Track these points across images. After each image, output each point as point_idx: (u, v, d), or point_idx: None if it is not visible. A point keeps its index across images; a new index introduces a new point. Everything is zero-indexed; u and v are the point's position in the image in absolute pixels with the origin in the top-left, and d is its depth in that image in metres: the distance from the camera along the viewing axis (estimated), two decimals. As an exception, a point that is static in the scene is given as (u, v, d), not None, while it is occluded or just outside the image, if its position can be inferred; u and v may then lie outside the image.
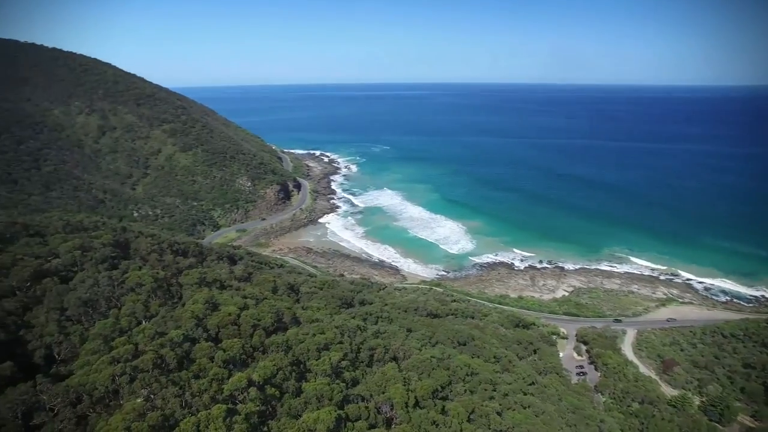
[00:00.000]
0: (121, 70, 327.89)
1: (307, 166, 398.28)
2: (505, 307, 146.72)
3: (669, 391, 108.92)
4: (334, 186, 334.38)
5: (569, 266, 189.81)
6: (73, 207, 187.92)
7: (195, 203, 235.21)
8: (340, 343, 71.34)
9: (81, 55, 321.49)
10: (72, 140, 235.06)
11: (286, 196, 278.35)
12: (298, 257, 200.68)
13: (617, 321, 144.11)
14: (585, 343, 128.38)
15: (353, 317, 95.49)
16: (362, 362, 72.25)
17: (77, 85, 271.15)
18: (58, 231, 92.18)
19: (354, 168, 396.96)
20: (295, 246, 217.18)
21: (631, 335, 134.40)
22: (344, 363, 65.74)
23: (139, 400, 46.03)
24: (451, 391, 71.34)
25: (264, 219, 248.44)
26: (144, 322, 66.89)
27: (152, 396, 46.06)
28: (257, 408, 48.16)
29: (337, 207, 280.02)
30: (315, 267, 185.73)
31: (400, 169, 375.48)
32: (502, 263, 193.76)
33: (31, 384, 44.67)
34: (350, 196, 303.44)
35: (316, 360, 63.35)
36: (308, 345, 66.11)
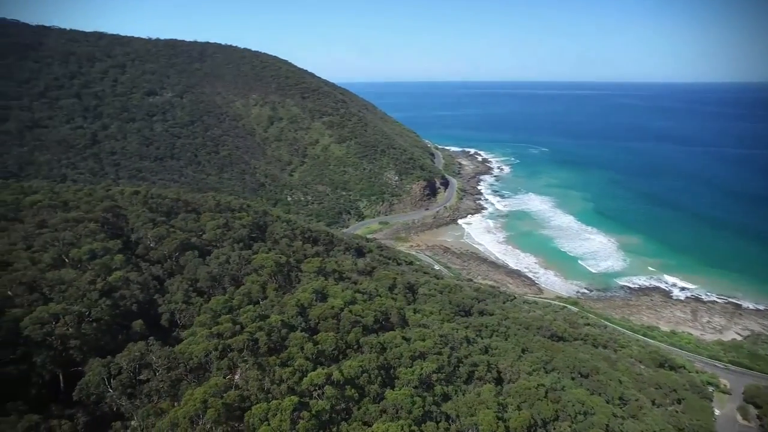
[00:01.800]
0: (294, 66, 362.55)
1: (459, 164, 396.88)
2: (650, 340, 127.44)
3: None
4: (482, 186, 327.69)
5: (748, 304, 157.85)
6: (239, 188, 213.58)
7: (343, 193, 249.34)
8: (438, 354, 68.32)
9: (264, 53, 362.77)
10: (246, 129, 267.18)
11: (431, 192, 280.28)
12: (434, 255, 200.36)
13: None
14: (756, 405, 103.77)
15: (466, 327, 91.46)
16: (459, 378, 68.45)
17: (256, 80, 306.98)
18: (210, 210, 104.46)
19: (507, 169, 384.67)
20: (433, 244, 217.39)
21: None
22: (437, 376, 62.69)
23: (236, 376, 49.58)
24: (554, 429, 63.86)
25: (428, 209, 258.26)
26: (261, 302, 72.32)
27: (240, 375, 48.95)
28: (330, 406, 48.20)
29: (483, 208, 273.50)
30: (448, 268, 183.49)
31: (555, 173, 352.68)
32: (656, 289, 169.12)
33: (145, 344, 50.75)
34: (497, 198, 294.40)
35: (408, 368, 61.60)
36: (403, 350, 64.65)
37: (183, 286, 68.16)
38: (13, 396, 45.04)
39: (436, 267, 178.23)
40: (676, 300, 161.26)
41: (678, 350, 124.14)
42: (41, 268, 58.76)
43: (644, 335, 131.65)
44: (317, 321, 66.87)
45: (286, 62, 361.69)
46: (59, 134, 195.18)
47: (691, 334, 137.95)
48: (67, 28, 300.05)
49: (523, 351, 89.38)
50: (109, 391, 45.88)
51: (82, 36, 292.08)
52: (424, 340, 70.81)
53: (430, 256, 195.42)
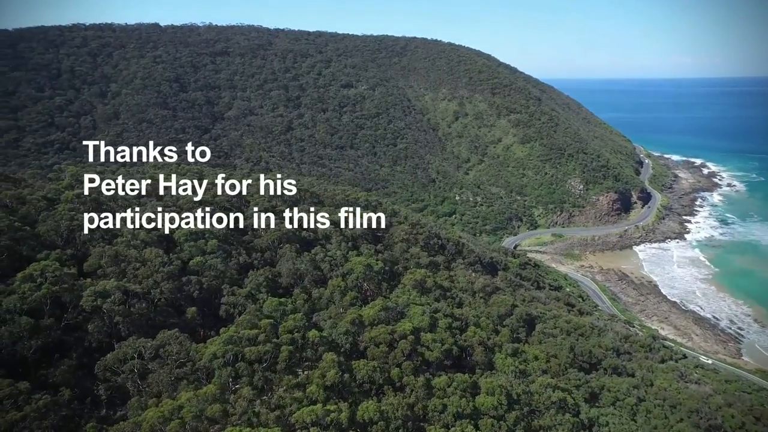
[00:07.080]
0: (494, 60, 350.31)
1: (675, 176, 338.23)
2: None
3: None
4: (699, 205, 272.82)
5: None
6: (409, 182, 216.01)
7: (518, 197, 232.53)
8: (499, 418, 55.78)
9: (464, 47, 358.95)
10: (431, 123, 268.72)
11: (623, 207, 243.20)
12: (605, 282, 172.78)
13: None
14: None
15: (576, 387, 73.95)
16: (523, 453, 55.06)
17: (449, 74, 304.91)
18: (335, 204, 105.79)
19: (740, 187, 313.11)
20: (608, 268, 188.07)
21: None
22: (483, 445, 51.22)
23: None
24: None
25: (615, 226, 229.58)
26: (322, 311, 69.10)
27: (234, 388, 46.69)
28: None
29: (688, 232, 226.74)
30: (615, 300, 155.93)
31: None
32: None
33: (172, 334, 52.09)
34: (714, 222, 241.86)
35: (445, 428, 51.53)
36: (450, 402, 54.56)
37: (258, 279, 69.03)
38: (68, 354, 51.07)
39: (600, 298, 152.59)
40: None
41: None
42: (135, 245, 65.57)
43: None
44: (368, 344, 60.78)
45: (485, 56, 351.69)
46: (263, 121, 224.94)
47: None
48: (295, 29, 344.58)
49: (649, 436, 68.65)
50: (121, 373, 48.23)
51: (304, 35, 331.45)
52: (493, 394, 58.68)
53: (598, 283, 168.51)
